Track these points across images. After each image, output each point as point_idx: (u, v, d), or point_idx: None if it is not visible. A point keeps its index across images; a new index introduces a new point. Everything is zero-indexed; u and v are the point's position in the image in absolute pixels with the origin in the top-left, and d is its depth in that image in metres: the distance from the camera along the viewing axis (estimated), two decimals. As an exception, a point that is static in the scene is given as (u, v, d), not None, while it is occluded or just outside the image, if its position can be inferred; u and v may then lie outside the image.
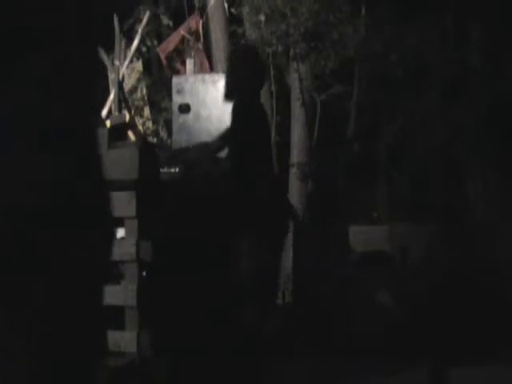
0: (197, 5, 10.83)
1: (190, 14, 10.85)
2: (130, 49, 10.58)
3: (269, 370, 5.18)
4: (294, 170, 10.56)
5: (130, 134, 8.53)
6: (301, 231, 7.87)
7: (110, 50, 10.40)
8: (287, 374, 5.85)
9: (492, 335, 6.59)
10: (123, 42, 10.56)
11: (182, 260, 5.00)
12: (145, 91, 11.47)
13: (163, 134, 11.36)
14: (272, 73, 10.85)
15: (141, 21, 11.05)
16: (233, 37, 10.97)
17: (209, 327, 4.87)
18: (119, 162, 4.50)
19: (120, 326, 4.61)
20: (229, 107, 5.23)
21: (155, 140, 10.96)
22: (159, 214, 4.93)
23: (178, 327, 4.84)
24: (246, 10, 10.70)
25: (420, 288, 7.06)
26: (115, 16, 10.26)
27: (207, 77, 7.98)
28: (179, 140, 7.57)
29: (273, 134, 10.43)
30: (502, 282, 7.25)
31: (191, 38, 10.51)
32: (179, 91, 7.71)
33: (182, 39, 10.63)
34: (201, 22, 10.61)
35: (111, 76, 10.14)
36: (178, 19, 11.44)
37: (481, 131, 9.42)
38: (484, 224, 8.08)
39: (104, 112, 9.46)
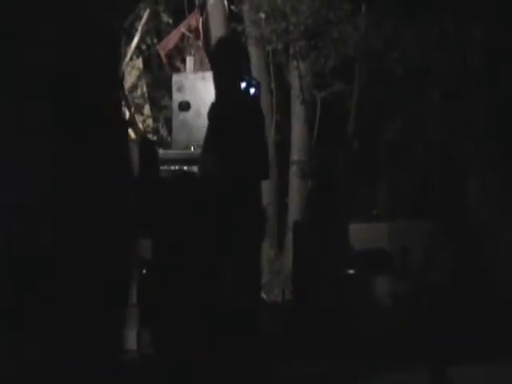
0: (197, 2, 10.82)
1: (189, 12, 10.84)
2: (129, 46, 10.57)
3: (268, 369, 5.18)
4: (293, 168, 10.56)
5: (130, 131, 8.53)
6: (301, 229, 7.87)
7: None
8: (286, 374, 5.85)
9: (492, 335, 6.59)
10: (123, 40, 10.54)
11: (178, 258, 5.00)
12: (145, 89, 11.46)
13: (163, 131, 11.36)
14: (272, 71, 10.84)
15: (141, 18, 11.04)
16: (232, 34, 10.96)
17: (208, 326, 4.87)
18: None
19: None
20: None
21: (155, 138, 10.96)
22: (158, 211, 4.93)
23: (177, 325, 4.84)
24: (246, 7, 10.69)
25: (420, 287, 7.06)
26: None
27: (207, 74, 7.95)
28: (179, 138, 7.56)
29: (272, 132, 10.45)
30: (501, 281, 7.25)
31: (191, 36, 10.50)
32: (179, 89, 7.71)
33: (182, 37, 10.62)
34: (201, 19, 10.60)
35: (111, 74, 10.11)
36: (178, 17, 11.43)
37: (481, 130, 9.41)
38: (484, 222, 8.08)
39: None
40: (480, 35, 9.58)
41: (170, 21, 12.02)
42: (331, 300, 7.10)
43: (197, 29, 10.52)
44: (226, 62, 5.18)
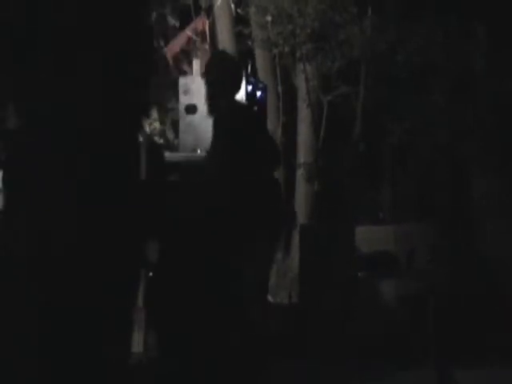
0: (203, 5, 10.84)
1: (196, 15, 10.86)
2: (136, 49, 10.57)
3: (273, 370, 5.19)
4: (300, 171, 10.57)
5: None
6: (307, 231, 7.88)
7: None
8: (291, 374, 5.86)
9: (492, 335, 6.59)
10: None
11: (185, 260, 5.01)
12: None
13: (170, 134, 11.39)
14: (278, 73, 10.85)
15: (147, 21, 11.04)
16: (239, 37, 10.99)
17: (214, 327, 4.88)
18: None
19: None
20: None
21: (162, 140, 10.99)
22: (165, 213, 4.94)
23: (183, 328, 4.85)
24: (252, 10, 10.70)
25: (425, 288, 7.07)
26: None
27: (214, 77, 7.97)
28: (186, 140, 7.58)
29: (279, 134, 10.46)
30: (505, 282, 7.25)
31: (198, 39, 10.51)
32: (186, 92, 7.72)
33: (189, 40, 10.63)
34: (207, 22, 10.61)
35: (118, 77, 10.13)
36: (185, 20, 11.46)
37: (486, 132, 9.41)
38: (488, 225, 8.08)
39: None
40: (485, 37, 9.59)
41: (177, 24, 12.04)
42: (338, 302, 7.11)
43: (203, 32, 10.53)
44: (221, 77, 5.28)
